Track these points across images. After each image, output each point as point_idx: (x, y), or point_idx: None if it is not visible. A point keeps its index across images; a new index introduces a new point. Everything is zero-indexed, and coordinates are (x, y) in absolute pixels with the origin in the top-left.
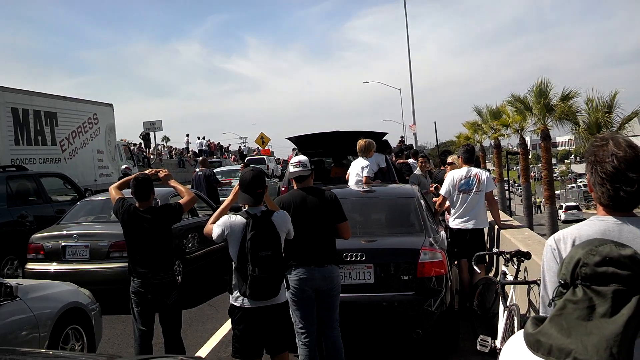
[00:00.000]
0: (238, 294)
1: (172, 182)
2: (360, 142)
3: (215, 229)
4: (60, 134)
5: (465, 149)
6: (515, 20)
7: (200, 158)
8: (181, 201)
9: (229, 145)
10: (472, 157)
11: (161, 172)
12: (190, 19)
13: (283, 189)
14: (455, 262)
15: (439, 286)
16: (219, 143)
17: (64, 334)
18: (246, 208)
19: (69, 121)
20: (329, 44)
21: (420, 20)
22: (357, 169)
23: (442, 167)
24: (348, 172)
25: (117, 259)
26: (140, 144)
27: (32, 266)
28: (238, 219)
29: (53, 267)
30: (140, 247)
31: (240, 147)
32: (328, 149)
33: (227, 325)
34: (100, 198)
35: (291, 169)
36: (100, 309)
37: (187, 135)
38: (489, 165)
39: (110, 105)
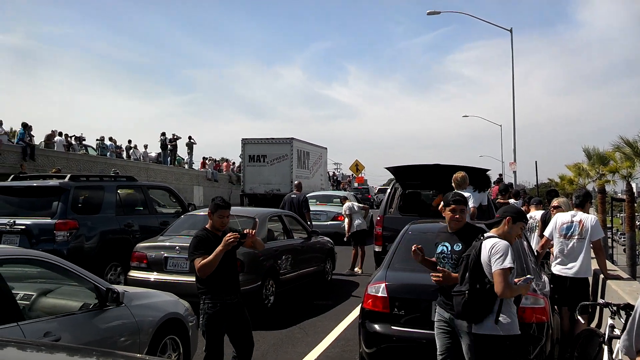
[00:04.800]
0: None
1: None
2: (459, 174)
3: None
4: (310, 164)
5: (577, 192)
6: (627, 61)
7: (297, 182)
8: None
9: None
10: (583, 202)
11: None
12: (294, 45)
13: (378, 218)
14: (556, 309)
15: (540, 333)
16: None
17: (162, 343)
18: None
19: (313, 157)
20: (430, 76)
21: (525, 56)
22: None
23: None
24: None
25: None
26: (241, 163)
27: (134, 274)
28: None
29: (154, 276)
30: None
31: (334, 172)
32: (426, 182)
33: (318, 350)
34: (202, 213)
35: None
36: (197, 322)
37: None
38: (591, 211)
39: (326, 148)
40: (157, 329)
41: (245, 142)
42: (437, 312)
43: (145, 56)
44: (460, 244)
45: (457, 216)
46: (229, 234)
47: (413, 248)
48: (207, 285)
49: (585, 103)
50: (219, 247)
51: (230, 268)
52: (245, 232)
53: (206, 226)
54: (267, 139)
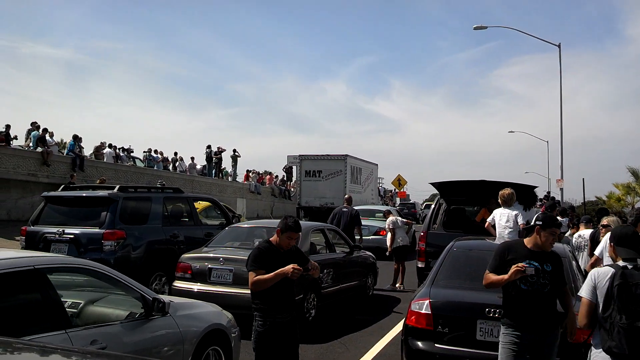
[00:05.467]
0: (601, 351)
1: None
2: (506, 191)
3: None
4: (362, 179)
5: (633, 212)
6: None
7: (347, 196)
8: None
9: None
10: (636, 221)
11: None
12: (338, 60)
13: (422, 233)
14: None
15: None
16: None
17: (205, 354)
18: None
19: (365, 173)
20: (474, 91)
21: (573, 71)
22: (508, 219)
23: (599, 227)
24: (488, 222)
25: None
26: (283, 176)
27: (179, 284)
28: (605, 268)
29: (197, 287)
30: None
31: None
32: (471, 198)
33: None
34: (246, 226)
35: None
36: (240, 333)
37: None
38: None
39: (377, 164)
40: (201, 340)
41: (302, 158)
42: (506, 333)
43: (192, 70)
44: (549, 265)
45: (554, 239)
46: (294, 265)
47: (521, 266)
48: (260, 300)
49: (636, 120)
50: (281, 271)
51: (285, 287)
52: (309, 266)
53: (270, 239)
54: (323, 155)
